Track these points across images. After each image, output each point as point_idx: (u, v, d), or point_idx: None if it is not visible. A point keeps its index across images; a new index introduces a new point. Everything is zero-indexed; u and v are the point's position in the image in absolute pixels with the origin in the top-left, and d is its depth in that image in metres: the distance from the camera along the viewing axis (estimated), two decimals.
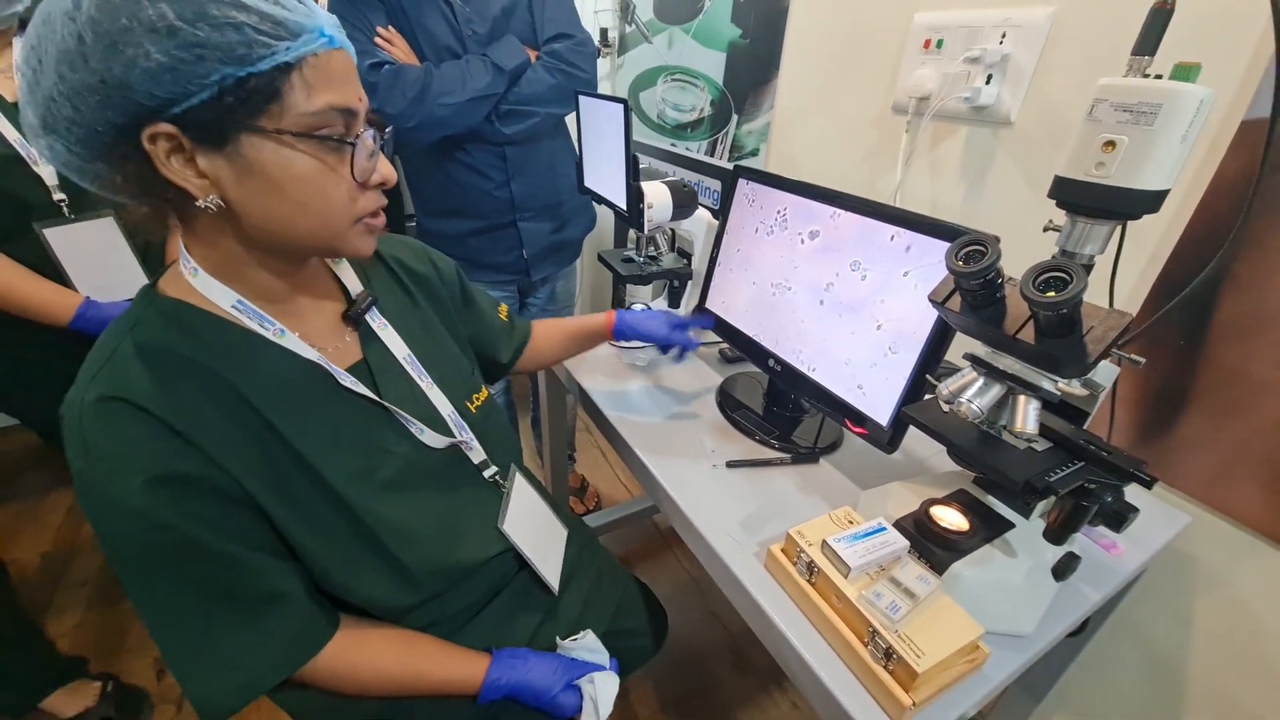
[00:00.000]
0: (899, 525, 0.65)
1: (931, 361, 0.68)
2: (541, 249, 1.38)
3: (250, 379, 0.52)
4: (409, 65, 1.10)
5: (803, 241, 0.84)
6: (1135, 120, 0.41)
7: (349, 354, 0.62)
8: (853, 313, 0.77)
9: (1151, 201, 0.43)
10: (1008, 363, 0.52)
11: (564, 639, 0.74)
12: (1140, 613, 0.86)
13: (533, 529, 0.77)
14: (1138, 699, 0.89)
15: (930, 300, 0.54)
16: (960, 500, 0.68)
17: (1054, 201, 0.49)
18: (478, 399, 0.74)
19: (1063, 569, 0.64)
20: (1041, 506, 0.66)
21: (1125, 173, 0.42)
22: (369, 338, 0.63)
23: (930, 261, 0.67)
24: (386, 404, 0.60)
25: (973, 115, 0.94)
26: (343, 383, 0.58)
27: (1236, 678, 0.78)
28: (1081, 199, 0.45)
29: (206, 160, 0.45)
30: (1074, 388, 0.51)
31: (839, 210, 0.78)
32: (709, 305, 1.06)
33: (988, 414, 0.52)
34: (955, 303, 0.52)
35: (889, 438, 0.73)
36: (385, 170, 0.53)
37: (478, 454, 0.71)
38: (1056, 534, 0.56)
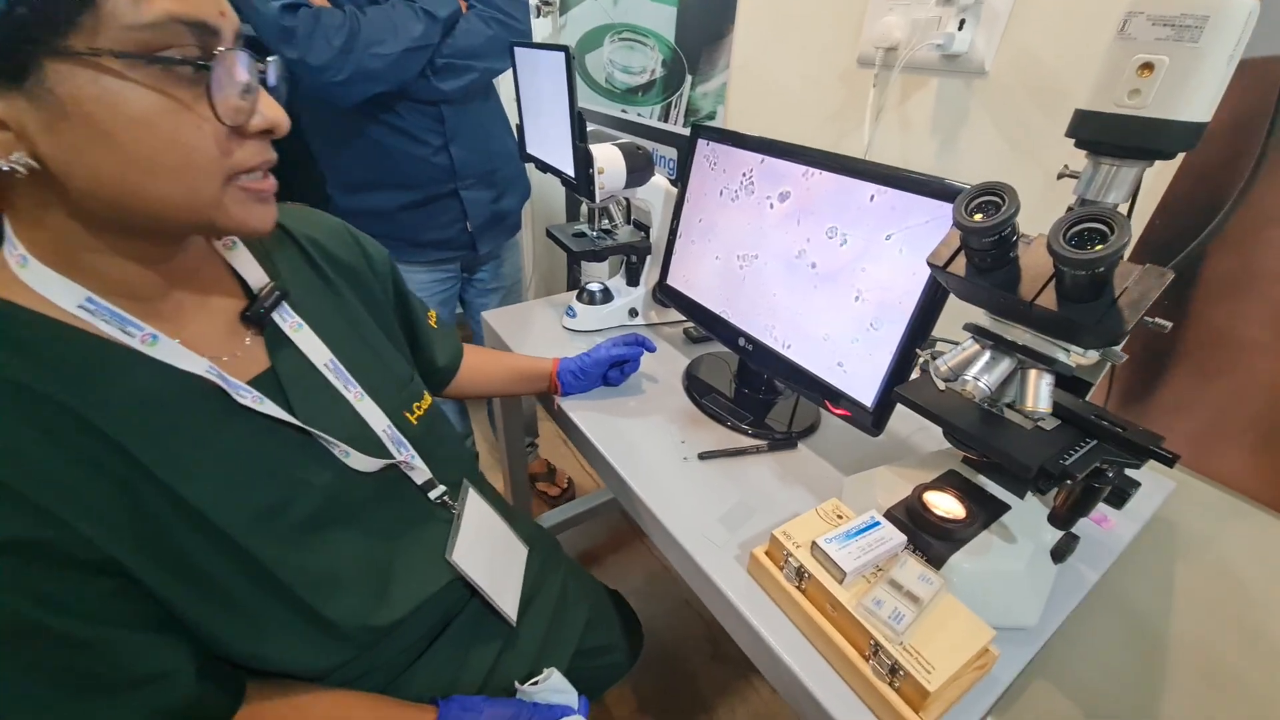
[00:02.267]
0: (891, 516, 0.59)
1: (919, 334, 0.61)
2: (485, 220, 1.25)
3: (108, 405, 0.40)
4: (327, 8, 0.94)
5: (772, 206, 0.76)
6: (1178, 36, 0.34)
7: (251, 363, 0.50)
8: (830, 283, 0.70)
9: (1190, 137, 0.36)
10: (1016, 333, 0.46)
11: (524, 682, 0.64)
12: (1121, 579, 0.84)
13: (488, 554, 0.67)
14: (1119, 664, 0.88)
15: (930, 264, 0.47)
16: (953, 484, 0.62)
17: (1052, 151, 0.42)
18: (419, 407, 0.63)
19: (1062, 551, 0.59)
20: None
21: (1164, 101, 0.35)
22: (278, 342, 0.51)
23: (916, 223, 0.60)
24: (301, 424, 0.49)
25: (944, 66, 0.87)
26: (240, 400, 0.46)
27: (1220, 639, 0.77)
28: (1110, 135, 0.38)
29: (2, 102, 0.33)
30: (1086, 358, 0.44)
31: (812, 169, 0.70)
32: (670, 281, 0.97)
33: (996, 391, 0.46)
34: (959, 266, 0.45)
35: (874, 419, 0.67)
36: (271, 112, 0.41)
37: (421, 473, 0.60)
38: (1065, 518, 0.51)
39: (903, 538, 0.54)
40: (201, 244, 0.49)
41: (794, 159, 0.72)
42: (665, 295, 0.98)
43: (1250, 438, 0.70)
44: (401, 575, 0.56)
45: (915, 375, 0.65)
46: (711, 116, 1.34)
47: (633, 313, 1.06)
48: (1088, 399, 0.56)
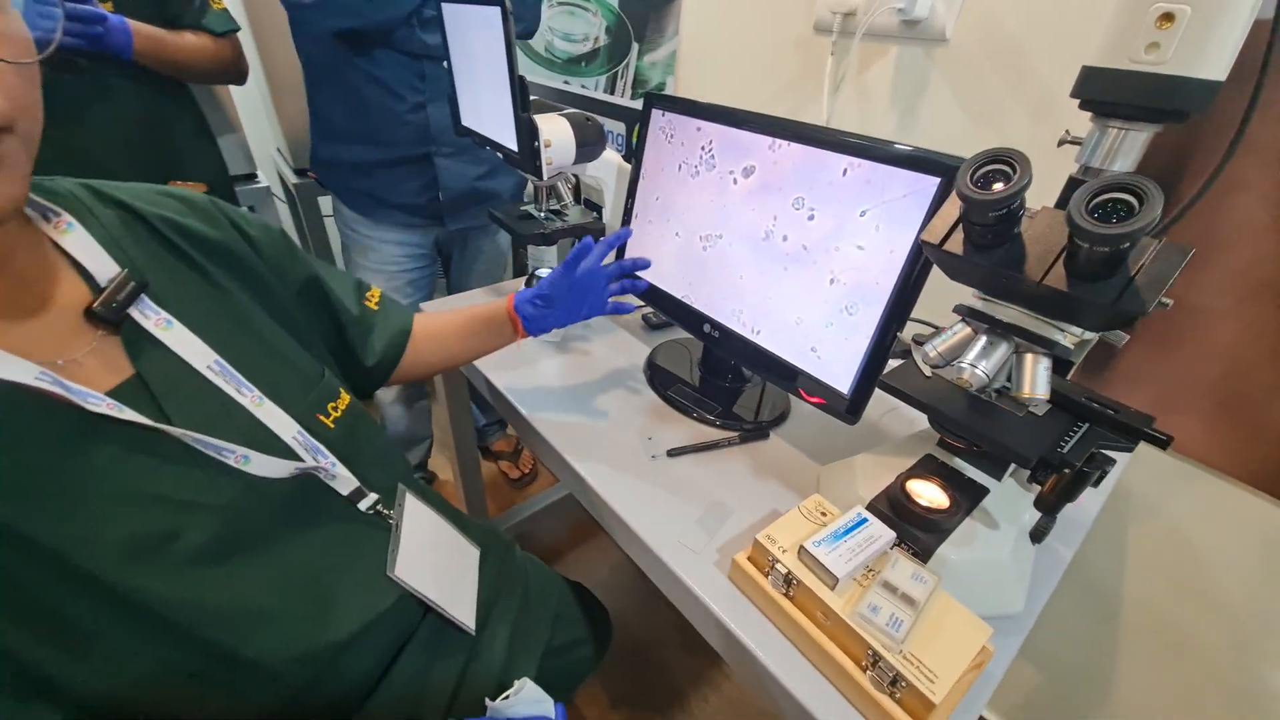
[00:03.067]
0: (874, 508, 0.56)
1: (898, 317, 0.58)
2: (460, 194, 1.14)
3: None
4: None
5: (735, 181, 0.71)
6: None
7: (109, 369, 0.41)
8: (800, 264, 0.66)
9: (1207, 97, 0.33)
10: (1011, 313, 0.42)
11: (495, 697, 0.59)
12: (1081, 548, 0.87)
13: (436, 563, 0.61)
14: (1074, 627, 0.91)
15: (924, 243, 0.43)
16: (933, 470, 0.60)
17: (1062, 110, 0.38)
18: (336, 408, 0.54)
19: (1041, 531, 0.58)
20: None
21: (1184, 57, 0.32)
22: (140, 342, 0.42)
23: (893, 197, 0.56)
24: (182, 433, 0.41)
25: (904, 32, 0.84)
26: (93, 408, 0.37)
27: (1172, 600, 0.80)
28: (1122, 95, 0.34)
29: None
30: (1083, 339, 0.42)
31: (779, 140, 0.65)
32: None
33: (995, 378, 0.43)
34: (956, 243, 0.41)
35: (850, 407, 0.64)
36: None
37: (346, 482, 0.53)
38: (1053, 504, 0.49)
39: (891, 534, 0.51)
40: (13, 225, 0.39)
41: (759, 130, 0.67)
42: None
43: (1205, 405, 0.72)
44: (339, 599, 0.50)
45: (895, 361, 0.62)
46: (661, 87, 1.27)
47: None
48: (1068, 378, 0.54)
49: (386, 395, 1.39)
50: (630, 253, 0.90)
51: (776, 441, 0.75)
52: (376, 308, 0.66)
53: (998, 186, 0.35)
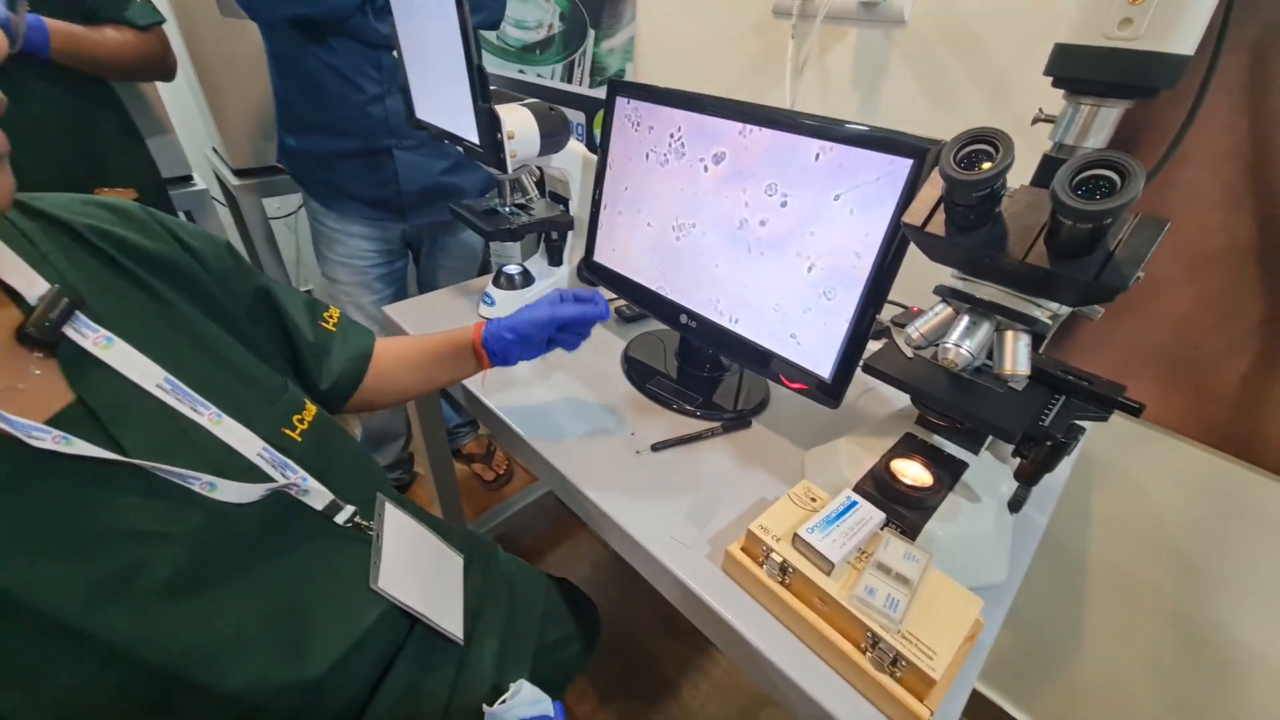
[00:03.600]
0: (861, 490, 0.57)
1: (876, 300, 0.58)
2: (422, 189, 1.11)
3: None
4: None
5: (706, 169, 0.70)
6: None
7: (48, 395, 0.37)
8: (776, 250, 0.65)
9: (1176, 71, 0.34)
10: (989, 291, 0.43)
11: (492, 703, 0.58)
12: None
13: (420, 572, 0.59)
14: (1045, 589, 0.95)
15: (905, 225, 0.43)
16: (915, 449, 0.61)
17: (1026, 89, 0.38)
18: (302, 420, 0.51)
19: (1019, 501, 0.60)
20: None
21: (1157, 32, 0.32)
22: (80, 364, 0.39)
23: (867, 180, 0.56)
24: (138, 461, 0.38)
25: (863, 15, 0.84)
26: (37, 444, 0.34)
27: (1134, 556, 0.85)
28: (1096, 72, 0.35)
29: None
30: (1059, 314, 0.43)
31: (749, 126, 0.64)
32: (598, 258, 0.89)
33: (978, 357, 0.43)
34: (937, 225, 0.41)
35: (832, 391, 0.64)
36: None
37: (319, 496, 0.50)
38: (1033, 475, 0.50)
39: (881, 515, 0.52)
40: None
41: (728, 116, 0.66)
42: (593, 273, 0.90)
43: (1160, 370, 0.75)
44: (321, 618, 0.48)
45: (874, 344, 0.62)
46: (620, 75, 1.24)
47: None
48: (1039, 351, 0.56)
49: None
50: (601, 244, 0.88)
51: (759, 429, 0.76)
52: (334, 329, 0.62)
53: (986, 166, 0.35)
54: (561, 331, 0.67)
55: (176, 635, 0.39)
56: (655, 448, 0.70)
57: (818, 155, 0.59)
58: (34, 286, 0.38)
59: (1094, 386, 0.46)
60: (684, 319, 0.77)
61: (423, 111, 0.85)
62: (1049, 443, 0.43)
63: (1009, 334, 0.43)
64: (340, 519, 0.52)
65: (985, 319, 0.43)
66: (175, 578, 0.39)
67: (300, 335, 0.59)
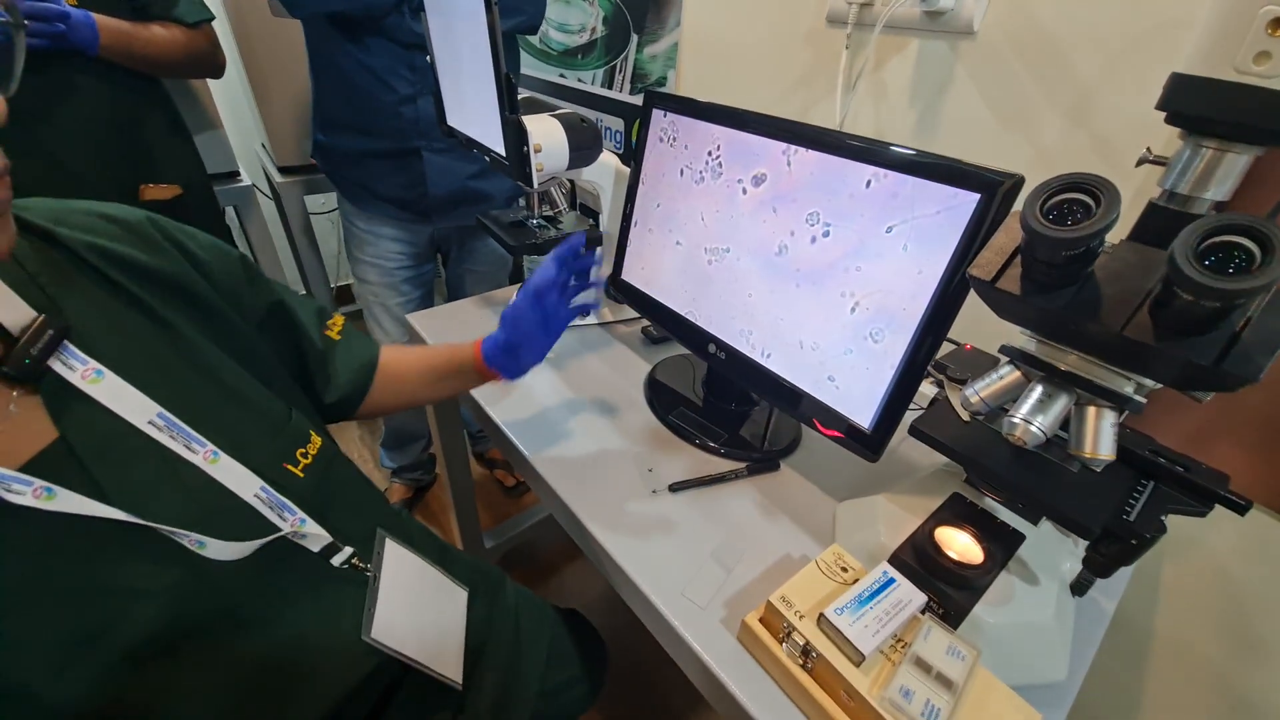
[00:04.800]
0: (899, 561, 0.50)
1: (929, 347, 0.52)
2: (450, 193, 1.09)
3: None
4: None
5: (745, 191, 0.65)
6: None
7: (28, 436, 0.35)
8: (816, 283, 0.59)
9: None
10: (1072, 361, 0.36)
11: None
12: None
13: (420, 614, 0.56)
14: (1107, 671, 0.86)
15: (972, 279, 0.37)
16: (962, 515, 0.54)
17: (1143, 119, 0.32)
18: (306, 454, 0.49)
19: (1084, 584, 0.52)
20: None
21: None
22: (65, 399, 0.36)
23: (925, 214, 0.50)
24: (122, 518, 0.35)
25: (927, 25, 0.77)
26: (16, 500, 0.32)
27: (1212, 642, 0.75)
28: (1223, 111, 0.28)
29: None
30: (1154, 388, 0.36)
31: (794, 147, 0.59)
32: (625, 276, 0.84)
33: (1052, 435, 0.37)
34: (1012, 280, 0.35)
35: (872, 444, 0.58)
36: None
37: (317, 539, 0.47)
38: (1105, 568, 0.43)
39: (923, 598, 0.46)
40: None
41: (772, 135, 0.60)
42: (620, 291, 0.85)
43: (1248, 433, 0.66)
44: (309, 676, 0.45)
45: (926, 385, 0.56)
46: (662, 82, 1.20)
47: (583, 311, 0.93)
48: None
49: None
50: (629, 262, 0.83)
51: (788, 473, 0.70)
52: (339, 337, 0.60)
53: (1049, 225, 0.29)
54: (551, 302, 0.61)
55: (149, 702, 0.36)
56: (673, 488, 0.65)
57: (869, 182, 0.53)
58: (17, 315, 0.35)
59: (1191, 474, 0.39)
60: (712, 348, 0.72)
61: (453, 119, 0.82)
62: (1134, 541, 0.36)
63: (1091, 410, 0.36)
64: (337, 560, 0.49)
65: (1063, 391, 0.37)
66: (150, 636, 0.36)
67: (311, 347, 0.57)
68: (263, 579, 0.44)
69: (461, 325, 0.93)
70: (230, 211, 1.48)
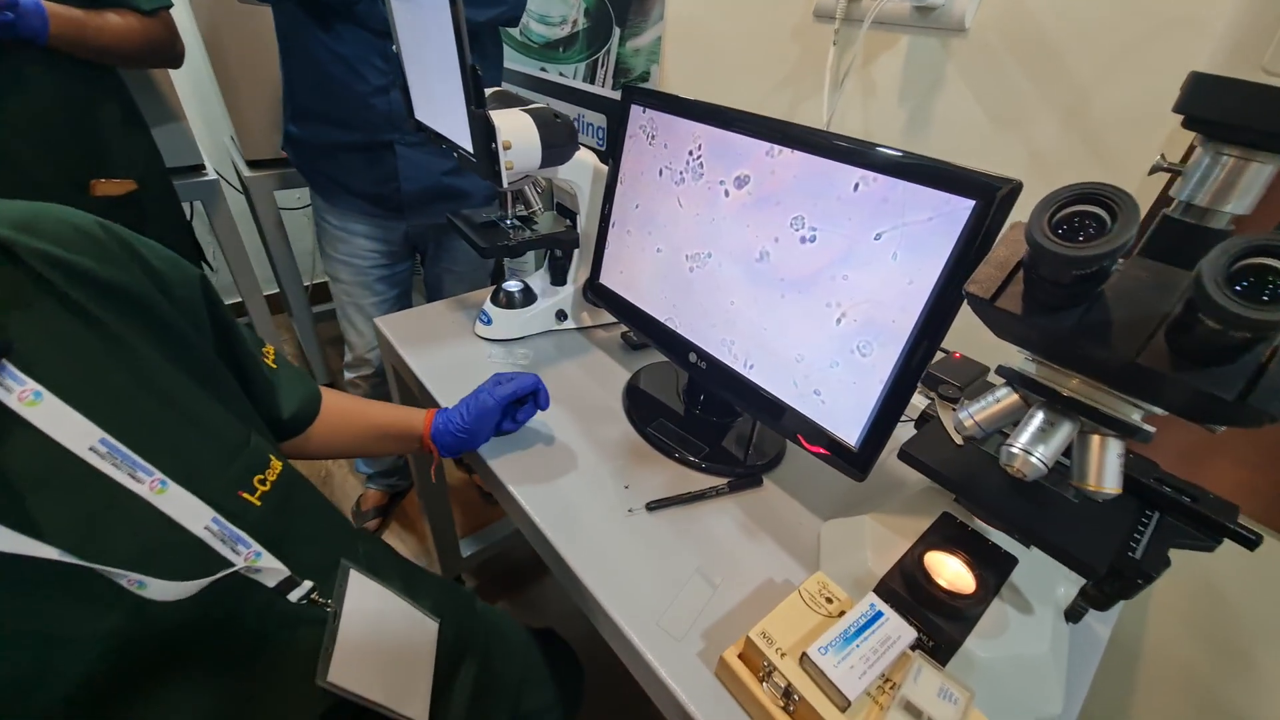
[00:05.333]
0: (887, 589, 0.47)
1: (919, 361, 0.49)
2: (424, 189, 1.04)
3: None
4: None
5: (727, 192, 0.61)
6: None
7: None
8: (801, 292, 0.56)
9: None
10: (1075, 385, 0.33)
11: None
12: None
13: (383, 652, 0.52)
14: (1101, 688, 0.84)
15: (969, 296, 0.34)
16: (952, 538, 0.51)
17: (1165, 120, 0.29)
18: (264, 480, 0.45)
19: (1079, 611, 0.50)
20: None
21: None
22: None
23: (916, 219, 0.47)
24: (55, 558, 0.32)
25: (917, 20, 0.74)
26: None
27: (1205, 660, 0.73)
28: (1246, 116, 0.25)
29: None
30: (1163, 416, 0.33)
31: (778, 147, 0.55)
32: (604, 280, 0.81)
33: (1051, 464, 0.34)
34: (1013, 299, 0.31)
35: (859, 461, 0.55)
36: None
37: (274, 573, 0.44)
38: (1105, 602, 0.40)
39: (912, 633, 0.43)
40: None
41: (755, 133, 0.57)
42: (597, 295, 0.81)
43: (1247, 449, 0.64)
44: (261, 718, 0.43)
45: (913, 413, 0.53)
46: (645, 78, 1.16)
47: (560, 315, 0.89)
48: None
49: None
50: (608, 264, 0.80)
51: (771, 489, 0.66)
52: (275, 365, 0.56)
53: (1059, 241, 0.26)
54: (505, 417, 0.66)
55: None
56: (651, 507, 0.62)
57: (857, 185, 0.50)
58: None
59: (1199, 505, 0.36)
60: (693, 357, 0.69)
61: (421, 112, 0.78)
62: (1140, 580, 0.33)
63: (1095, 439, 0.33)
64: (295, 596, 0.46)
65: (1065, 418, 0.34)
66: (84, 685, 0.33)
67: (256, 371, 0.53)
68: (210, 619, 0.40)
69: (432, 330, 0.89)
70: (198, 206, 1.41)
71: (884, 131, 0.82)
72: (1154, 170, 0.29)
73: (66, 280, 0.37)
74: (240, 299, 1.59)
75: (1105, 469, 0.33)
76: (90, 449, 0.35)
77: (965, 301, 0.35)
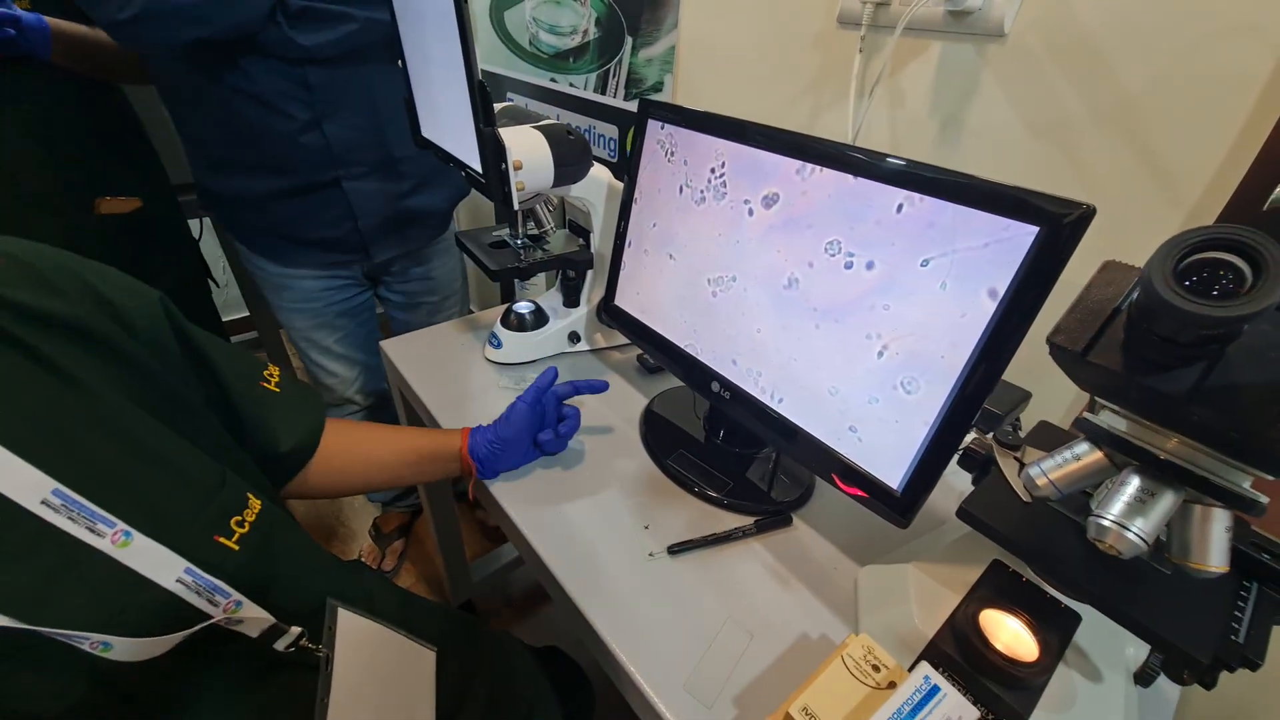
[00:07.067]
0: (937, 652, 0.43)
1: (971, 400, 0.44)
2: (382, 220, 0.95)
3: None
4: None
5: (752, 212, 0.57)
6: None
7: None
8: (837, 322, 0.52)
9: None
10: (1174, 446, 0.29)
11: None
12: None
13: (382, 693, 0.50)
14: None
15: (1053, 346, 0.29)
16: (1006, 591, 0.46)
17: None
18: (242, 523, 0.41)
19: (1150, 674, 0.45)
20: None
21: None
22: None
23: (970, 246, 0.42)
24: (2, 623, 0.29)
25: (951, 25, 0.70)
26: None
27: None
28: None
29: None
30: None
31: (810, 165, 0.51)
32: (619, 302, 0.77)
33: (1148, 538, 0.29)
34: (1110, 353, 0.27)
35: (901, 506, 0.50)
36: None
37: (256, 623, 0.40)
38: (1189, 681, 0.35)
39: (975, 712, 0.38)
40: None
41: (784, 150, 0.53)
42: (613, 319, 0.78)
43: None
44: None
45: (966, 454, 0.48)
46: (658, 88, 1.12)
47: (574, 337, 0.86)
48: None
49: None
50: (624, 286, 0.76)
51: (801, 528, 0.62)
52: (278, 389, 0.52)
53: (1187, 298, 0.21)
54: (544, 432, 0.63)
55: None
56: (673, 550, 0.57)
57: (900, 207, 0.46)
58: None
59: None
60: (716, 387, 0.65)
61: (429, 130, 0.75)
62: (1248, 668, 0.29)
63: (1198, 509, 0.29)
64: (282, 644, 0.42)
65: (1167, 487, 0.29)
66: None
67: (242, 399, 0.49)
68: (188, 678, 0.37)
69: (440, 355, 0.85)
70: (206, 223, 1.40)
71: (913, 144, 0.78)
72: (1269, 208, 0.25)
73: (9, 316, 0.34)
74: (247, 313, 1.57)
75: (1211, 544, 0.28)
76: (42, 502, 0.32)
77: (1049, 353, 0.30)
